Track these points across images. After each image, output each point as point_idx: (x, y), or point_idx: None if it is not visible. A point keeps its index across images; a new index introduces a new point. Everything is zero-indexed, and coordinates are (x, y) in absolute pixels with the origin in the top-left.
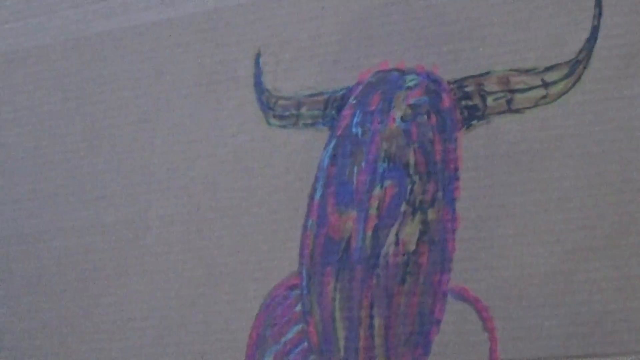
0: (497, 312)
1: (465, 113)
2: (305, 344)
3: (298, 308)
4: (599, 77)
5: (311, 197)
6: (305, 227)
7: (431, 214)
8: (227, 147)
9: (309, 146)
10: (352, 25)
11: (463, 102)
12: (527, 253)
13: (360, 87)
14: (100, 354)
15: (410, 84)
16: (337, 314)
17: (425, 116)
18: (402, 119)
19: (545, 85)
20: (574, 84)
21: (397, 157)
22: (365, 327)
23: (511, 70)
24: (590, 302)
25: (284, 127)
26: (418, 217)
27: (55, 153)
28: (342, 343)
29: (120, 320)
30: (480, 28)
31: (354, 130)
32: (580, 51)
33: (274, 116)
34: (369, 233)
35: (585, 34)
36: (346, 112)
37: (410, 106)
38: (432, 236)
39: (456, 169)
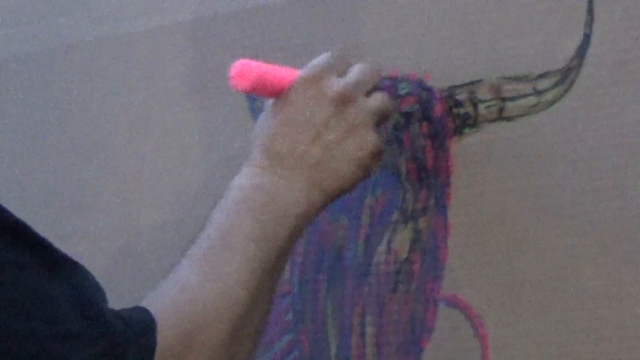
0: (489, 319)
1: (457, 121)
2: (297, 352)
3: (289, 316)
4: (590, 84)
5: None
6: None
7: (423, 222)
8: (219, 154)
9: None
10: (344, 33)
11: (455, 110)
12: (518, 260)
13: None
14: None
15: (403, 92)
16: (329, 322)
17: (417, 124)
18: (394, 127)
19: (537, 93)
20: (565, 92)
21: (389, 165)
22: (357, 335)
23: (503, 78)
24: (582, 310)
25: None
26: (410, 225)
27: (46, 160)
28: (333, 351)
29: None
30: (472, 36)
31: None
32: (572, 59)
33: None
34: (361, 241)
35: (577, 42)
36: None
37: (402, 114)
38: (424, 244)
39: (448, 177)
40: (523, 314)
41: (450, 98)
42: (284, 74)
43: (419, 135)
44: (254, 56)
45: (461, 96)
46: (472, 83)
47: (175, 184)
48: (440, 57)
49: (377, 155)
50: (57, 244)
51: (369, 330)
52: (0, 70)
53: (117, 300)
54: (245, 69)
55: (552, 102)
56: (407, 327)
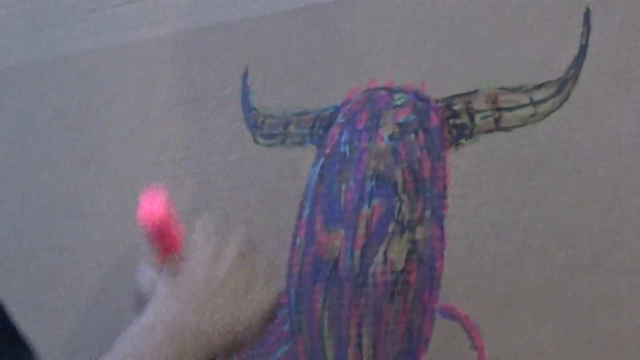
0: (486, 329)
1: (454, 131)
2: None
3: (286, 327)
4: (587, 94)
5: (299, 216)
6: (293, 245)
7: (419, 233)
8: (215, 166)
9: (297, 165)
10: (340, 43)
11: (451, 121)
12: (515, 270)
13: (348, 106)
14: None
15: (399, 102)
16: (326, 333)
17: (414, 135)
18: (390, 137)
19: (534, 103)
20: (562, 102)
21: (385, 176)
22: (353, 346)
23: (499, 88)
24: (579, 319)
25: (271, 145)
26: (406, 235)
27: (44, 170)
28: None
29: (109, 338)
30: (468, 46)
31: (342, 148)
32: (569, 69)
33: (262, 135)
34: (357, 252)
35: (573, 52)
36: (334, 130)
37: (399, 125)
38: (421, 254)
39: (444, 187)
40: (520, 324)
41: (446, 108)
42: (178, 230)
43: (415, 146)
44: (254, 65)
45: (458, 106)
46: (468, 93)
47: (172, 194)
48: (437, 67)
49: (276, 308)
50: (55, 253)
51: (366, 340)
52: None
53: (114, 309)
54: (154, 208)
55: (549, 113)
56: (404, 338)
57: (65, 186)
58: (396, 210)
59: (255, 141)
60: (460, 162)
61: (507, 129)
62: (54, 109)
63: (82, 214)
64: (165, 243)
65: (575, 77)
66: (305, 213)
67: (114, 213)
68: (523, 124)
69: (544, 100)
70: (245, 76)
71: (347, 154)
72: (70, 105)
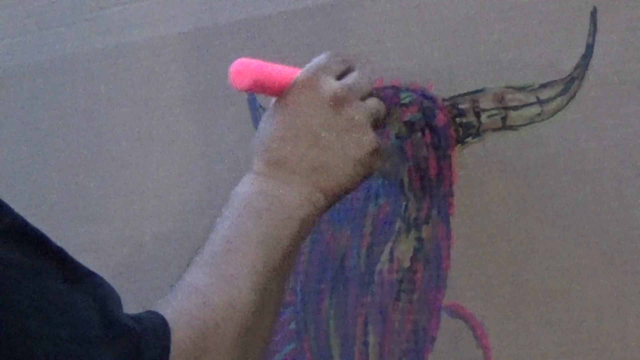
0: (492, 329)
1: (460, 130)
2: None
3: (292, 325)
4: (593, 94)
5: None
6: None
7: (426, 231)
8: (222, 165)
9: None
10: (346, 43)
11: (458, 120)
12: (521, 270)
13: None
14: None
15: (405, 101)
16: (332, 332)
17: (420, 133)
18: (397, 136)
19: (540, 102)
20: (568, 101)
21: (392, 174)
22: (359, 345)
23: (506, 87)
24: (585, 320)
25: None
26: (412, 234)
27: (49, 171)
28: None
29: None
30: (475, 45)
31: None
32: (575, 68)
33: None
34: (364, 250)
35: (580, 51)
36: None
37: (405, 123)
38: (427, 253)
39: (451, 186)
40: (526, 324)
41: (453, 107)
42: (285, 72)
43: (422, 145)
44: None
45: (464, 105)
46: (475, 92)
47: (179, 194)
48: (444, 66)
49: (376, 153)
50: None
51: (372, 339)
52: (2, 80)
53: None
54: (245, 68)
55: (555, 111)
56: (410, 337)
57: (71, 187)
58: (402, 208)
59: None
60: (467, 160)
61: (513, 128)
62: (59, 109)
63: (87, 216)
64: (270, 92)
65: (582, 76)
66: None
67: (120, 215)
68: (529, 122)
69: (550, 99)
70: None
71: None
72: (76, 105)
